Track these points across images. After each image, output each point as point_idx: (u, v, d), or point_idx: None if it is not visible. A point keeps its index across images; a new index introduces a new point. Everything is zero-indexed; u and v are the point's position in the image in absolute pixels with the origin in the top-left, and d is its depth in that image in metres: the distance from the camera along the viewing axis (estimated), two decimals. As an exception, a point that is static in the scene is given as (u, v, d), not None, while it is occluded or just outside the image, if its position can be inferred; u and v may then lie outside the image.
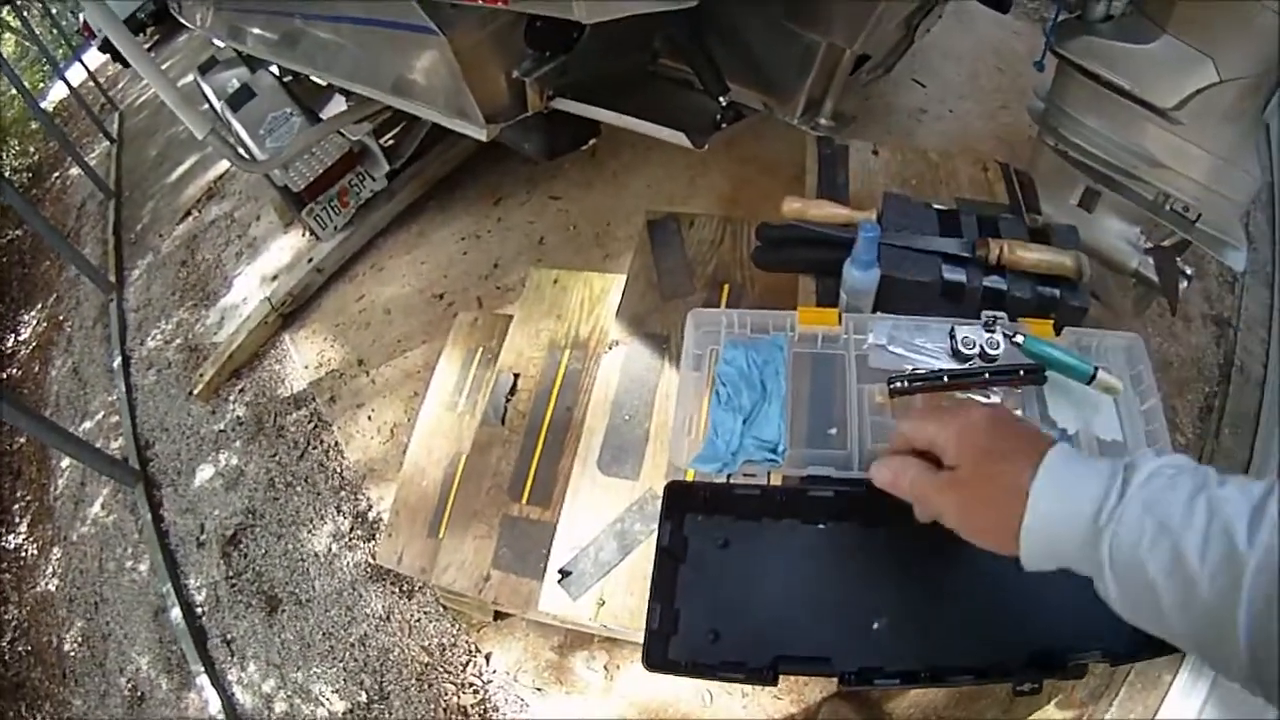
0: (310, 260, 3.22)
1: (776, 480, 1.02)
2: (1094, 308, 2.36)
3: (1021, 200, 1.63)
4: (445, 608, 2.27)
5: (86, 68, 9.44)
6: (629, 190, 3.05)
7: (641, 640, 0.87)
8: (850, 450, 1.00)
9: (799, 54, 1.95)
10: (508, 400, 1.92)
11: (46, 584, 3.55)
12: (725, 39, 2.00)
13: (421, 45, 1.79)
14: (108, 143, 7.06)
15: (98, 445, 3.53)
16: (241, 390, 3.23)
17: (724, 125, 1.93)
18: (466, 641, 2.20)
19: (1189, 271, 1.86)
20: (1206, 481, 0.51)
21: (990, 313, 1.10)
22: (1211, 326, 2.60)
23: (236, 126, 2.92)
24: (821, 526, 0.96)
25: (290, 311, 3.27)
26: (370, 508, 2.61)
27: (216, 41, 3.15)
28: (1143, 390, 1.04)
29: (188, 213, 4.73)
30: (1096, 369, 0.99)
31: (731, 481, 0.97)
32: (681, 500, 0.95)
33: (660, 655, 0.88)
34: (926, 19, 2.33)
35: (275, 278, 3.52)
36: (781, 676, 0.86)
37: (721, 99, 1.91)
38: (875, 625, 0.91)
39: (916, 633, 0.91)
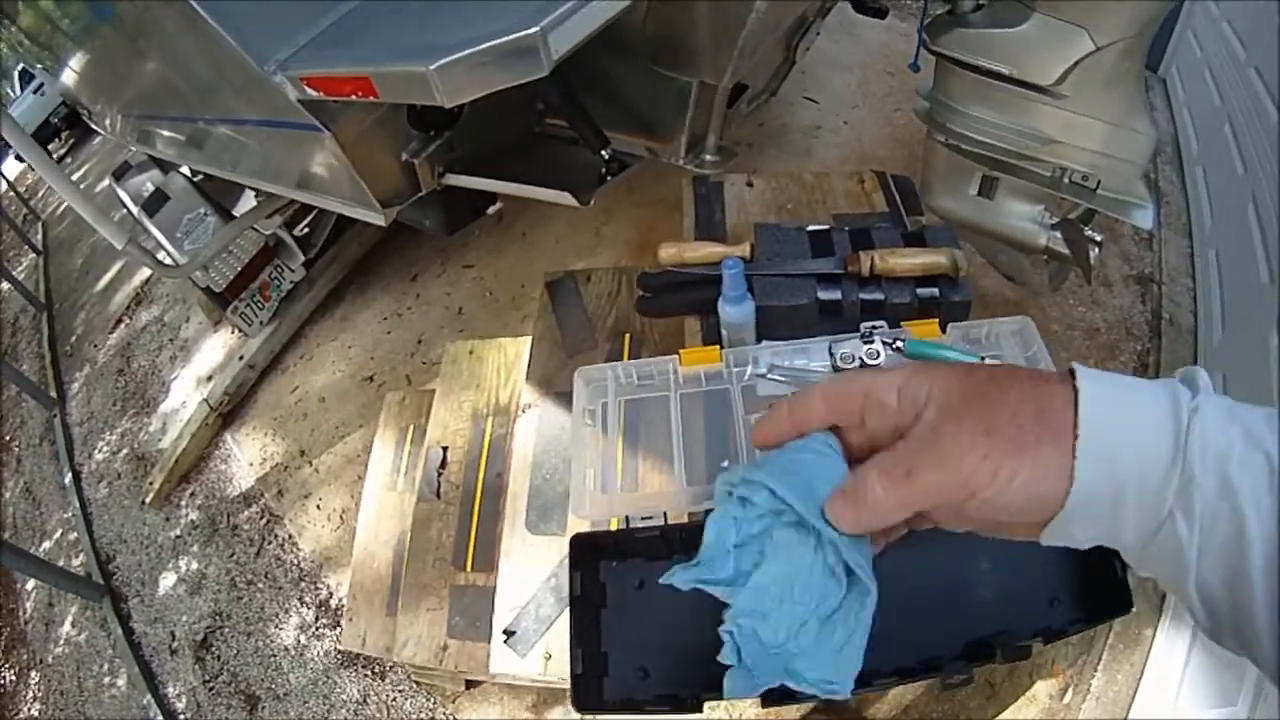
0: (241, 357, 3.22)
1: (680, 518, 1.06)
2: (1013, 290, 2.45)
3: (901, 205, 1.69)
4: (418, 684, 2.27)
5: (5, 178, 9.27)
6: (539, 249, 3.14)
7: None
8: (743, 480, 1.05)
9: (673, 96, 2.00)
10: (440, 474, 1.95)
11: (29, 709, 3.45)
12: (600, 92, 2.05)
13: (310, 141, 1.82)
14: (34, 254, 6.96)
15: (60, 564, 3.48)
16: (192, 494, 3.21)
17: (609, 178, 1.98)
18: (444, 714, 2.21)
19: (1098, 238, 1.86)
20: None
21: (868, 324, 1.12)
22: (1134, 285, 2.69)
23: (154, 232, 2.93)
24: (731, 556, 1.00)
25: (229, 410, 3.27)
26: (331, 595, 2.61)
27: (128, 145, 3.17)
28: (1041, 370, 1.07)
29: (119, 320, 4.70)
30: (983, 359, 1.01)
31: (632, 526, 1.00)
32: (588, 551, 0.99)
33: (591, 697, 0.92)
34: (805, 37, 2.39)
35: (210, 378, 3.51)
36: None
37: (603, 153, 1.96)
38: None
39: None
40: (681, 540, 0.99)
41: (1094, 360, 2.49)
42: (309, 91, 1.56)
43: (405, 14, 1.52)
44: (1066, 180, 1.74)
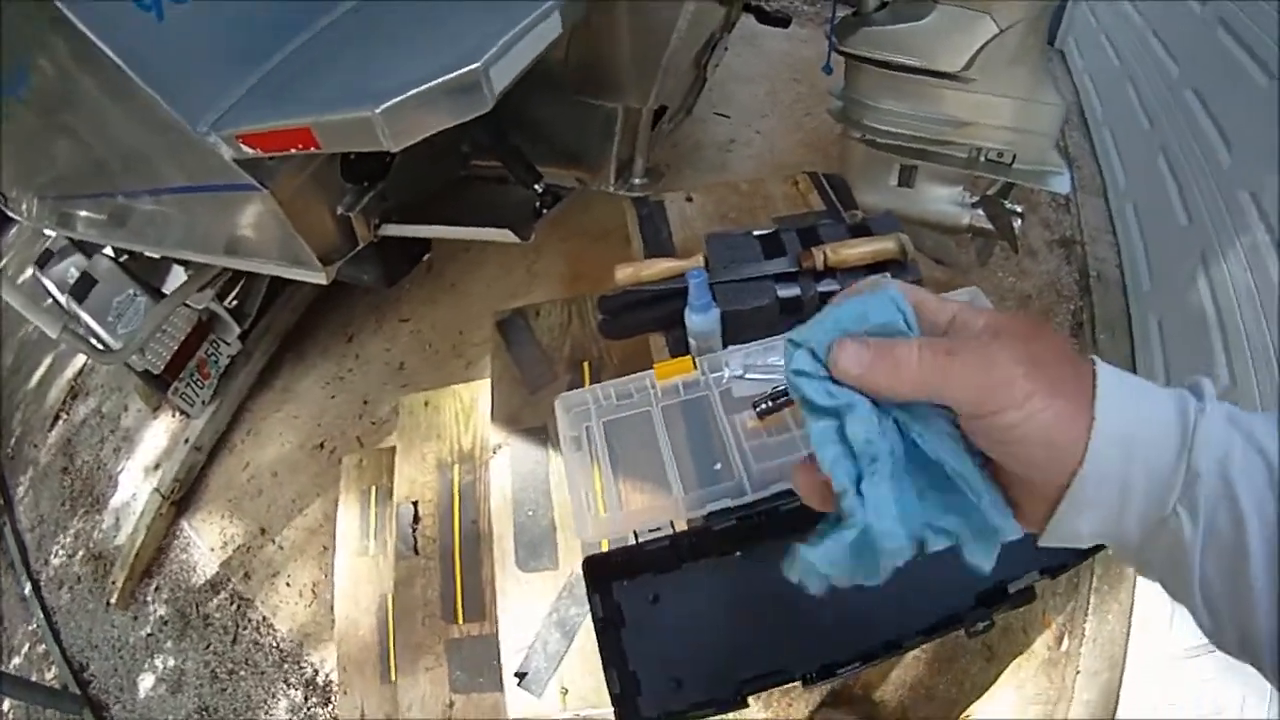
0: (187, 440, 3.13)
1: (680, 526, 1.08)
2: (942, 272, 2.53)
3: (837, 202, 1.74)
4: (420, 747, 2.22)
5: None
6: (472, 295, 3.12)
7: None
8: (739, 478, 1.07)
9: (599, 124, 2.04)
10: (414, 529, 1.92)
11: (21, 840, 3.28)
12: (528, 128, 2.07)
13: (246, 202, 1.78)
14: (-40, 356, 6.67)
15: (33, 679, 3.31)
16: (157, 589, 3.09)
17: (544, 211, 2.00)
18: (452, 773, 2.16)
19: (1019, 209, 1.95)
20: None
21: (831, 314, 1.19)
22: (1058, 249, 2.79)
23: (85, 318, 2.82)
24: (738, 554, 1.02)
25: (181, 497, 3.16)
26: (316, 673, 2.54)
27: (48, 231, 3.06)
28: (993, 336, 1.13)
29: (57, 416, 4.50)
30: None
31: (641, 541, 1.02)
32: (601, 571, 0.99)
33: (633, 716, 0.92)
34: (714, 55, 2.45)
35: (158, 466, 3.38)
36: (768, 699, 0.90)
37: (536, 187, 1.97)
38: (821, 625, 0.98)
39: (862, 617, 0.97)
40: (691, 547, 1.00)
41: (1030, 324, 2.58)
42: (245, 150, 1.52)
43: (337, 61, 1.51)
44: (982, 159, 1.82)
